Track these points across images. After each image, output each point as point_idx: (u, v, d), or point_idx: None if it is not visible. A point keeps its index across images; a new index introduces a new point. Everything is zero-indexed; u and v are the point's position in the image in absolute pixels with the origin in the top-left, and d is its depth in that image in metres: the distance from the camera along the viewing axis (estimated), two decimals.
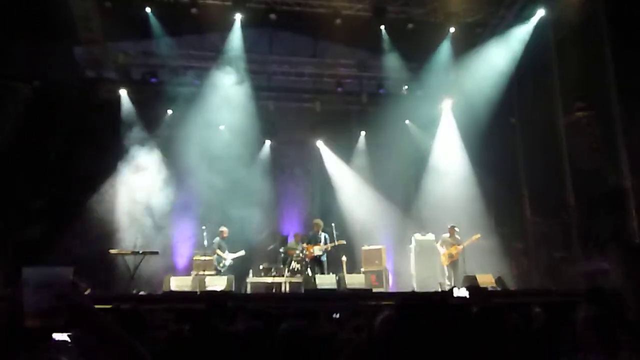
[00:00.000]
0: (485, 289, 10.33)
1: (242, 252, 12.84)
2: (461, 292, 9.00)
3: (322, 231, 12.81)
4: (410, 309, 1.74)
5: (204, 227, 12.79)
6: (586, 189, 11.96)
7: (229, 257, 12.69)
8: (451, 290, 9.56)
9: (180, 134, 14.42)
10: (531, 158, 14.04)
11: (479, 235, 12.50)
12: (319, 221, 13.00)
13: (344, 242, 12.84)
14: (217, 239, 12.77)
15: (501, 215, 14.56)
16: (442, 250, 12.64)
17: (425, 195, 15.17)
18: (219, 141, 14.53)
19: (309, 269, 12.64)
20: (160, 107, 14.70)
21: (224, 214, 13.81)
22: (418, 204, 15.42)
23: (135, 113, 14.48)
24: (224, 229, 12.94)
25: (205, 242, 12.62)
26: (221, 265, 12.59)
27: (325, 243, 12.65)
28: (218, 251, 12.63)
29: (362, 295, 9.65)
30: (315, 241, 12.76)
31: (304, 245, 13.02)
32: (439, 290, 11.67)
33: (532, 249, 13.92)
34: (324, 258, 12.64)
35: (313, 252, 12.63)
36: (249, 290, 12.23)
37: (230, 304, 5.99)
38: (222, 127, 15.00)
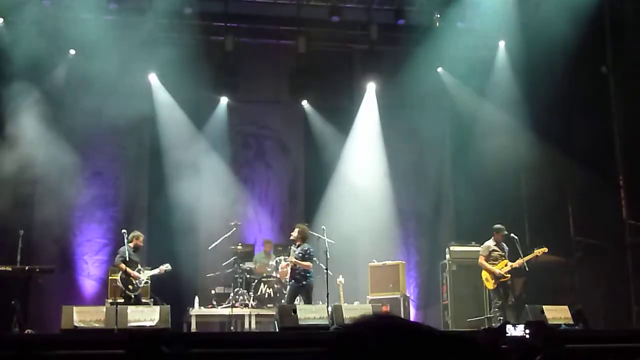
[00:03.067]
0: (557, 327, 10.36)
1: (166, 267, 12.78)
2: (517, 330, 9.02)
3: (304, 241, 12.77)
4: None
5: (124, 231, 12.76)
6: None
7: (144, 275, 12.66)
8: (502, 328, 9.58)
9: (85, 87, 14.30)
10: (635, 133, 14.07)
11: (545, 250, 12.55)
12: (304, 228, 12.94)
13: (309, 263, 12.77)
14: (124, 248, 12.73)
15: (585, 218, 14.61)
16: (486, 266, 12.70)
17: (467, 186, 15.19)
18: (146, 99, 14.47)
19: (287, 295, 12.64)
20: (53, 43, 14.52)
21: (154, 212, 13.75)
22: (455, 198, 15.43)
23: (8, 50, 14.29)
24: (137, 234, 12.90)
25: (127, 255, 12.59)
26: (131, 287, 12.54)
27: (303, 257, 12.59)
28: (122, 265, 12.59)
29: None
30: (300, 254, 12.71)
31: (281, 258, 12.99)
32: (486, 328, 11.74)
33: (632, 268, 13.98)
34: (312, 279, 12.64)
35: (296, 270, 12.59)
36: (193, 328, 12.20)
37: (166, 349, 5.98)
38: (152, 77, 14.98)
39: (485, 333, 9.98)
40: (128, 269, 12.56)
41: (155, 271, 12.78)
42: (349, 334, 1.57)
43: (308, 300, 12.47)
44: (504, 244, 12.82)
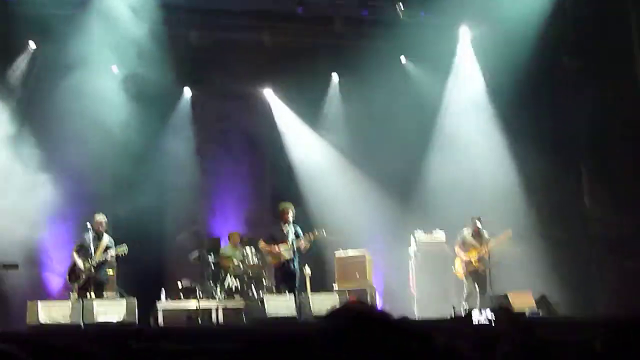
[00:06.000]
0: (521, 314, 10.47)
1: (122, 248, 12.48)
2: (483, 316, 9.12)
3: (293, 222, 12.82)
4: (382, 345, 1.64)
5: (88, 224, 12.66)
6: None
7: (91, 262, 12.31)
8: (468, 315, 9.65)
9: (49, 83, 14.14)
10: (598, 123, 14.21)
11: (509, 233, 12.66)
12: (288, 205, 12.92)
13: (323, 231, 12.94)
14: (82, 236, 12.59)
15: (549, 208, 14.74)
16: (461, 254, 12.77)
17: (433, 174, 15.27)
18: (110, 93, 14.43)
19: (260, 287, 12.66)
20: (15, 38, 14.36)
21: (118, 205, 13.66)
22: (421, 186, 15.50)
23: None
24: (97, 218, 12.68)
25: (92, 248, 12.48)
26: (74, 277, 12.28)
27: (297, 238, 12.64)
28: (73, 254, 12.40)
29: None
30: (283, 236, 12.72)
31: (247, 250, 13.02)
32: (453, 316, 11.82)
33: (595, 256, 14.15)
34: (295, 265, 12.69)
35: (280, 255, 12.59)
36: (161, 321, 12.14)
37: (134, 344, 5.95)
38: (114, 69, 14.96)
39: (453, 321, 10.06)
40: (75, 257, 12.36)
41: (103, 256, 12.36)
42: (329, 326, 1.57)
43: (293, 288, 12.50)
44: (480, 234, 12.89)
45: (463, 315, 10.76)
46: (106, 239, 12.47)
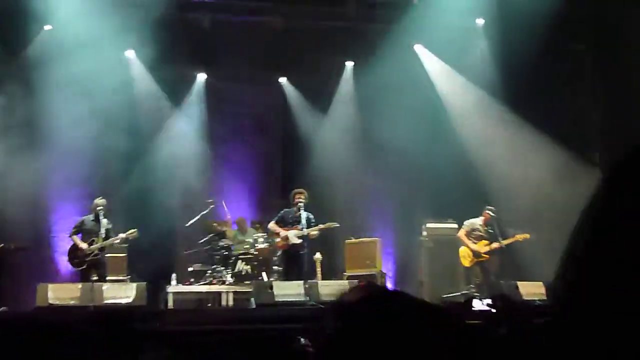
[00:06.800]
0: (529, 302, 10.43)
1: (129, 233, 12.42)
2: (483, 304, 9.10)
3: (305, 209, 12.81)
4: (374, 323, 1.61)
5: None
6: None
7: (94, 246, 12.17)
8: (469, 300, 9.62)
9: (58, 63, 14.12)
10: (614, 113, 14.12)
11: (527, 236, 12.61)
12: (301, 191, 12.97)
13: (335, 224, 12.81)
14: (81, 218, 12.58)
15: (563, 199, 14.64)
16: (469, 243, 12.75)
17: (445, 163, 15.20)
18: (122, 76, 14.47)
19: (269, 272, 12.68)
20: (28, 19, 14.37)
21: (127, 187, 13.69)
22: (433, 175, 15.47)
23: None
24: (99, 201, 12.52)
25: (103, 231, 12.51)
26: (77, 260, 12.20)
27: (309, 225, 12.61)
28: (74, 237, 12.32)
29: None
30: (292, 221, 12.73)
31: (258, 235, 13.04)
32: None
33: None
34: (305, 251, 12.73)
35: (288, 239, 12.59)
36: (170, 305, 12.19)
37: (139, 326, 5.95)
38: (129, 54, 14.89)
39: (452, 307, 10.04)
40: (77, 241, 12.40)
41: (111, 241, 12.30)
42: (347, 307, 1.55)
43: (301, 273, 12.50)
44: (492, 226, 12.85)
45: (462, 302, 10.74)
46: (104, 222, 12.45)
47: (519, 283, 11.78)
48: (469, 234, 12.91)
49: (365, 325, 1.44)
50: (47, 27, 14.70)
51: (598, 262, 1.27)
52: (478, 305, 9.61)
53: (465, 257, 12.93)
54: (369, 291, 1.61)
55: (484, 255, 12.71)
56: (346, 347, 1.44)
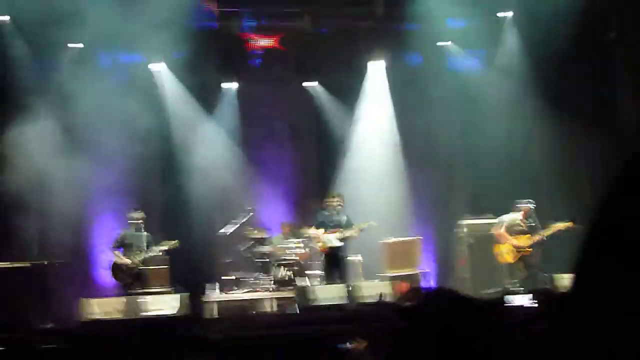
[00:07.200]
0: (563, 294, 10.33)
1: (171, 244, 12.56)
2: (524, 299, 8.99)
3: (342, 212, 12.87)
4: (424, 321, 1.65)
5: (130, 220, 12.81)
6: None
7: (137, 258, 12.38)
8: (502, 296, 9.55)
9: (90, 76, 14.27)
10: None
11: (570, 224, 12.46)
12: (337, 194, 13.06)
13: (374, 223, 12.82)
14: (119, 233, 12.73)
15: (601, 186, 14.48)
16: (510, 239, 12.66)
17: (479, 157, 15.13)
18: (154, 86, 14.67)
19: (311, 275, 12.72)
20: (60, 36, 14.52)
21: (165, 197, 13.80)
22: (470, 170, 15.39)
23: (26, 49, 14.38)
24: (137, 214, 12.67)
25: (144, 244, 12.62)
26: (120, 275, 12.35)
27: (347, 227, 12.65)
28: (115, 252, 12.46)
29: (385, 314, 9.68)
30: (332, 225, 12.74)
31: (296, 240, 13.06)
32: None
33: None
34: (345, 253, 12.83)
35: (329, 242, 12.62)
36: (215, 314, 12.26)
37: (183, 334, 5.97)
38: (160, 64, 15.06)
39: (485, 304, 9.98)
40: (118, 255, 12.49)
41: (153, 253, 12.50)
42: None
43: (342, 275, 12.58)
44: (532, 219, 12.76)
45: (495, 298, 10.67)
46: (145, 235, 12.57)
47: (554, 276, 11.67)
48: (509, 230, 12.81)
49: (429, 325, 1.46)
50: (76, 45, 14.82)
51: (609, 261, 1.27)
52: (520, 300, 9.51)
53: (508, 253, 12.83)
54: (423, 293, 1.64)
55: (527, 249, 12.61)
56: (415, 346, 1.47)
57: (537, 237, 12.57)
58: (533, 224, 12.73)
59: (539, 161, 14.55)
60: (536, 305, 8.04)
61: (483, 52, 15.96)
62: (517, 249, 12.72)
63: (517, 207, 12.92)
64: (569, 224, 12.48)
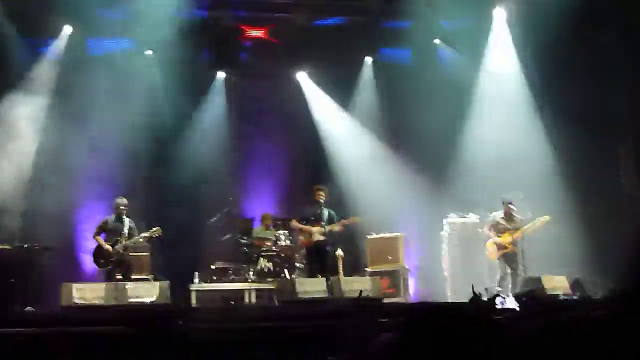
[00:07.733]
0: (554, 297, 10.37)
1: (156, 231, 12.44)
2: (509, 301, 9.03)
3: (327, 205, 12.89)
4: (420, 329, 1.69)
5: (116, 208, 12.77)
6: None
7: (119, 246, 12.25)
8: (493, 300, 9.56)
9: (82, 65, 14.29)
10: (637, 101, 13.99)
11: (548, 219, 12.52)
12: (322, 187, 13.05)
13: (359, 219, 12.81)
14: (103, 218, 12.67)
15: (586, 186, 14.56)
16: (491, 237, 12.70)
17: (466, 156, 15.17)
18: (143, 75, 14.59)
19: (292, 268, 12.69)
20: (51, 20, 14.48)
21: (151, 185, 13.76)
22: (455, 168, 15.42)
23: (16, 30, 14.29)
24: (116, 201, 12.62)
25: (125, 230, 12.58)
26: (102, 261, 12.25)
27: (331, 221, 12.67)
28: (97, 238, 12.39)
29: (366, 308, 9.68)
30: (315, 219, 12.76)
31: (280, 232, 13.08)
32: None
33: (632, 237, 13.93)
34: (327, 247, 12.80)
35: (311, 236, 12.65)
36: (194, 303, 12.25)
37: (162, 324, 5.96)
38: (149, 53, 15.06)
39: (475, 305, 9.97)
40: (100, 242, 12.46)
41: (134, 240, 12.38)
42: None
43: (324, 269, 12.52)
44: (515, 216, 12.79)
45: (486, 299, 10.67)
46: (127, 222, 12.54)
47: (542, 277, 11.70)
48: (493, 229, 12.85)
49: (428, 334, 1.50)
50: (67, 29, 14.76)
51: None
52: (502, 301, 9.53)
53: (491, 251, 12.87)
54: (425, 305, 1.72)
55: (508, 246, 12.62)
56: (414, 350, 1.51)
57: (517, 234, 12.59)
58: (514, 222, 12.73)
59: (530, 159, 14.53)
60: (521, 309, 8.08)
61: (475, 49, 15.90)
62: (498, 246, 12.75)
63: (503, 201, 12.92)
64: (546, 218, 12.51)
